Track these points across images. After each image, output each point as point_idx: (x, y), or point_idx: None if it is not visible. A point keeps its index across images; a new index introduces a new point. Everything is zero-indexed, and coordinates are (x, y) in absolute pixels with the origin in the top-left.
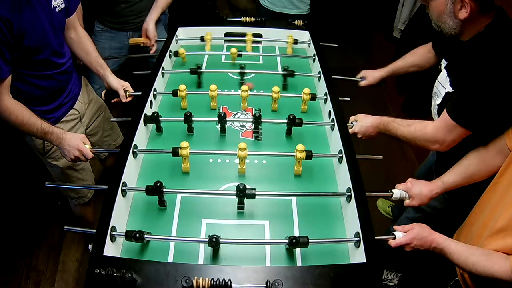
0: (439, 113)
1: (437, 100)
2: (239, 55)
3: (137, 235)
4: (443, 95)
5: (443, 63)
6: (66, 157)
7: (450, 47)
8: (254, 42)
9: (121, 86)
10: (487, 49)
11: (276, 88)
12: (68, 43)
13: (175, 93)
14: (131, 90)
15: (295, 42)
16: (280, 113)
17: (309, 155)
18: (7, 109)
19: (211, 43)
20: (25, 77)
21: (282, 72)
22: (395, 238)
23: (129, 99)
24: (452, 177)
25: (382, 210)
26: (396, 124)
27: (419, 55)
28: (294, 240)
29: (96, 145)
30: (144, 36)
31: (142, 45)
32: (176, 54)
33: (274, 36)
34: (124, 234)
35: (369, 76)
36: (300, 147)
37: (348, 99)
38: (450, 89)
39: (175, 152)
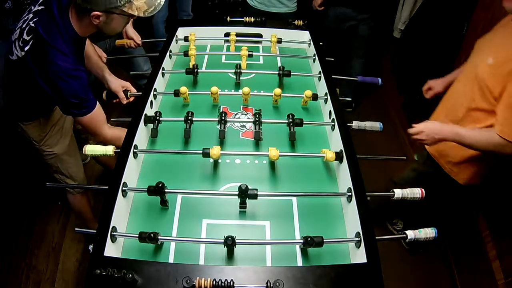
0: None
1: None
2: (250, 55)
3: (152, 235)
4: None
5: None
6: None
7: None
8: (254, 42)
9: (120, 88)
10: None
11: (277, 91)
12: None
13: (176, 93)
14: (133, 90)
15: (279, 41)
16: (280, 113)
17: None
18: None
19: (210, 43)
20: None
21: (282, 72)
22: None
23: (131, 99)
24: (465, 130)
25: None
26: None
27: None
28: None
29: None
30: (125, 38)
31: (126, 46)
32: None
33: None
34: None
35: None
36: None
37: (350, 99)
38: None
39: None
